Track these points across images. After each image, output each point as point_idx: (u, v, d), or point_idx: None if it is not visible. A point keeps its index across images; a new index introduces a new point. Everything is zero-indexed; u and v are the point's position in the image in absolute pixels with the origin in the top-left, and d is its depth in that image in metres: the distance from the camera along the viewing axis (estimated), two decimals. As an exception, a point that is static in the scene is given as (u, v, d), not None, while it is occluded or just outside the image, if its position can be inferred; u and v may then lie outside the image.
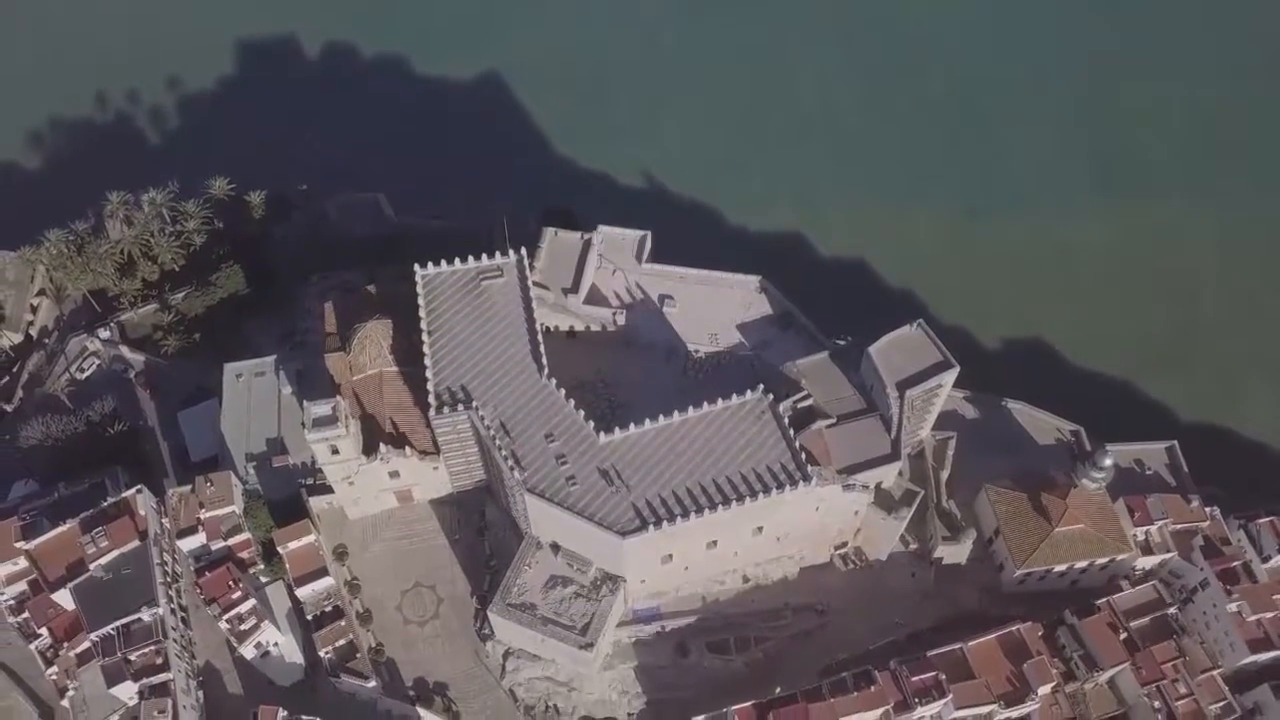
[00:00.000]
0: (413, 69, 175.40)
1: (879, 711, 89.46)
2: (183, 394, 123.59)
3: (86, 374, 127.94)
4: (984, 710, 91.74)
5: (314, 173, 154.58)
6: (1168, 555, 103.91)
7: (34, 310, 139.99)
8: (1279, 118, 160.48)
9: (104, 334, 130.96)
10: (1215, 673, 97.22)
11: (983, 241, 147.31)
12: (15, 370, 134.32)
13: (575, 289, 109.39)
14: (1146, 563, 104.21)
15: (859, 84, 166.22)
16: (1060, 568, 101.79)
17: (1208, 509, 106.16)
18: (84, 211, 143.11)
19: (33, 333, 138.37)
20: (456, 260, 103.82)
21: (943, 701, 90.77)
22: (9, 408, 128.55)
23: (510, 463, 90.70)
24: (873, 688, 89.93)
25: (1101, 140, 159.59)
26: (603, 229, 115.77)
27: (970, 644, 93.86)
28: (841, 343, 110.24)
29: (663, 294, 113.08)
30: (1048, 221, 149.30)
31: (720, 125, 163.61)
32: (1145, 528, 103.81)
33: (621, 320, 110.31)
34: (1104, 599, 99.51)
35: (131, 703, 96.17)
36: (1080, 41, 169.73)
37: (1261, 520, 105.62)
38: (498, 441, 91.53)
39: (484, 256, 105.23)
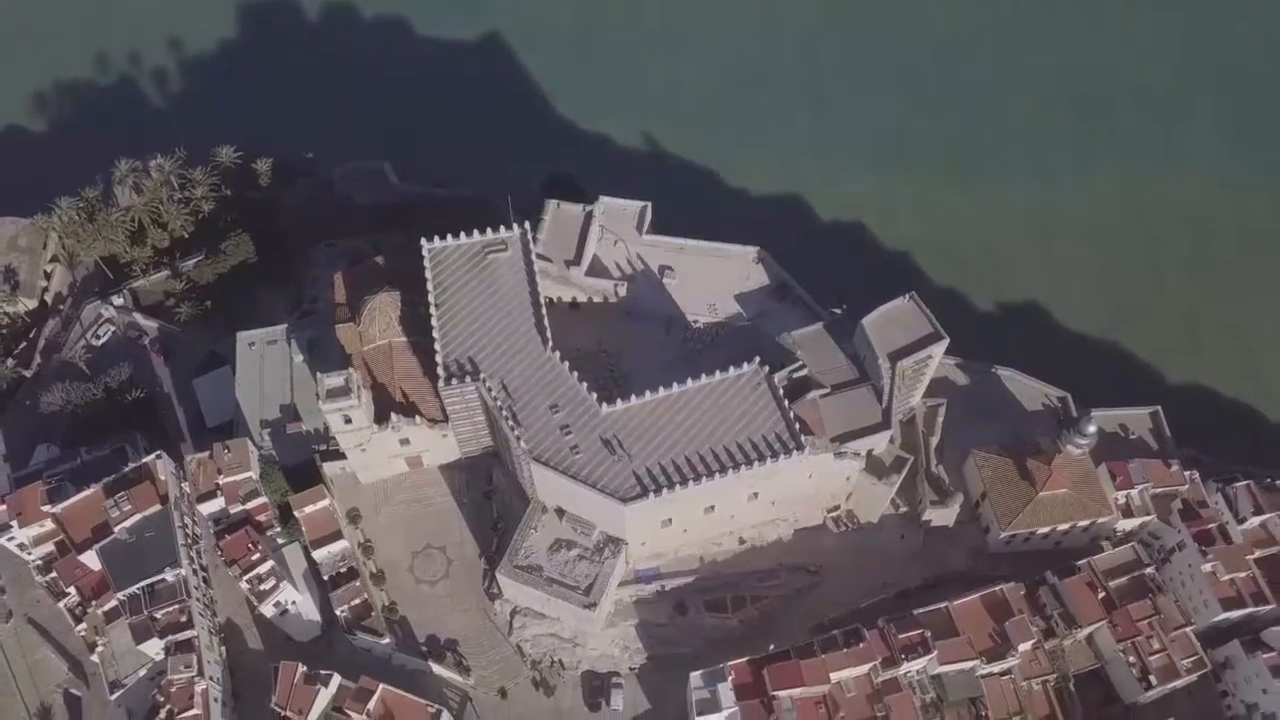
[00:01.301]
0: (413, 32, 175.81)
1: (867, 667, 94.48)
2: (196, 360, 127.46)
3: (102, 340, 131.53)
4: (967, 665, 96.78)
5: (317, 138, 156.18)
6: (1147, 518, 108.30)
7: (48, 277, 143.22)
8: (1262, 84, 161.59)
9: (118, 301, 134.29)
10: (1188, 629, 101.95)
11: (978, 208, 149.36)
12: (32, 336, 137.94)
13: (578, 261, 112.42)
14: (1127, 525, 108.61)
15: (854, 51, 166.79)
16: (1043, 530, 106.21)
17: (1187, 473, 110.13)
18: (93, 178, 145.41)
19: (47, 299, 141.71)
20: (462, 234, 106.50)
21: (928, 657, 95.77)
22: (28, 373, 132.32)
23: (516, 432, 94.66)
24: (861, 645, 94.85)
25: (1091, 107, 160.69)
26: (604, 200, 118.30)
27: (955, 603, 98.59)
28: (837, 311, 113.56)
29: (663, 265, 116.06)
30: (1042, 188, 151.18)
31: (718, 89, 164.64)
32: (1126, 491, 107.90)
33: (623, 291, 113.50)
34: (1084, 560, 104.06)
35: (158, 658, 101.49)
36: (1069, 11, 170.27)
37: (1239, 484, 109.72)
38: (504, 412, 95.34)
39: (488, 230, 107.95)
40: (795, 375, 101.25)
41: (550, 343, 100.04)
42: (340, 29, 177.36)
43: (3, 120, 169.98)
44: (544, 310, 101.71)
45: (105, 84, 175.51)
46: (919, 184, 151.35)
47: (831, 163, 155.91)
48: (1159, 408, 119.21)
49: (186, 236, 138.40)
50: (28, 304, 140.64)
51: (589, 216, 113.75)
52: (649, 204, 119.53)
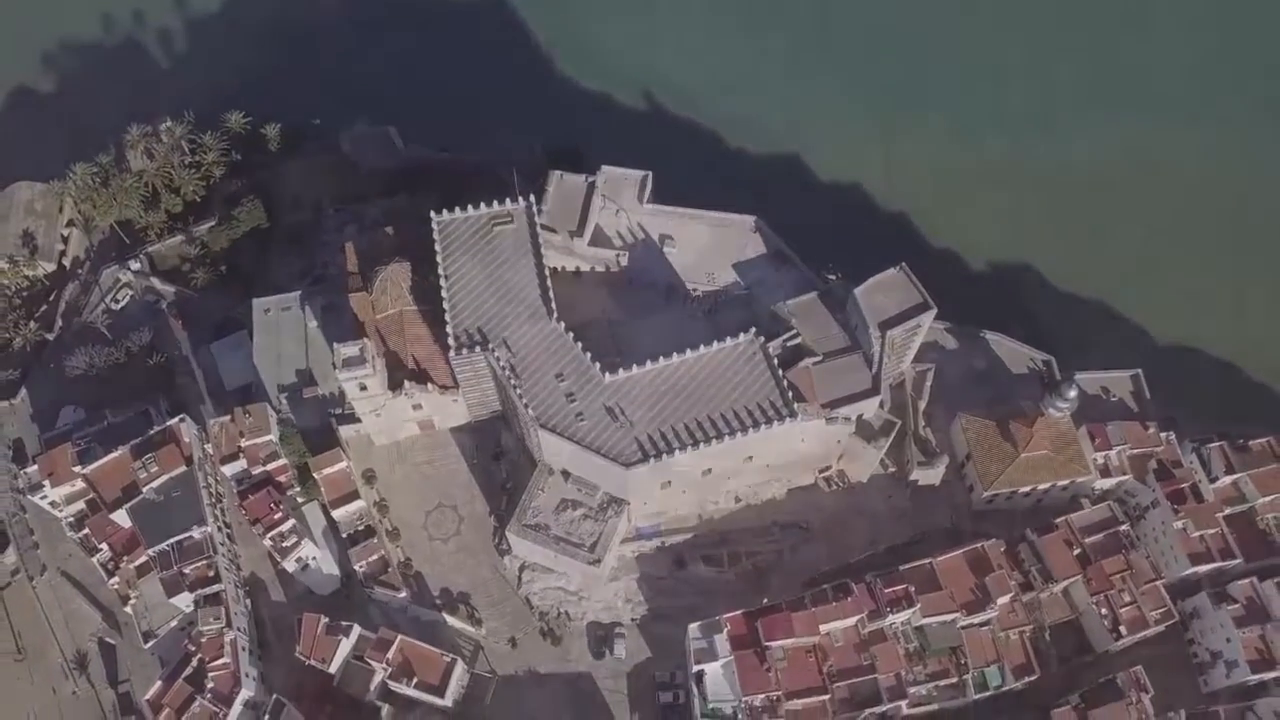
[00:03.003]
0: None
1: (855, 619, 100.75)
2: (212, 324, 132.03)
3: (121, 305, 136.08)
4: (949, 617, 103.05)
5: (323, 102, 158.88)
6: (1124, 477, 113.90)
7: (65, 241, 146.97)
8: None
9: (135, 265, 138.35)
10: (1159, 583, 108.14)
11: (971, 170, 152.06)
12: (52, 299, 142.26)
13: (580, 232, 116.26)
14: (1104, 484, 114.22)
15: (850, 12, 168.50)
16: (1024, 489, 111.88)
17: (1164, 434, 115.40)
18: (103, 142, 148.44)
19: (65, 263, 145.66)
20: (469, 207, 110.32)
21: (911, 610, 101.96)
22: (50, 336, 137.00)
23: (524, 400, 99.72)
24: (849, 598, 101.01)
25: (1079, 68, 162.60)
26: (605, 169, 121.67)
27: (938, 559, 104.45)
28: (832, 278, 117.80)
29: (663, 234, 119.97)
30: (1034, 147, 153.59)
31: (717, 53, 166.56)
32: (1104, 452, 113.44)
33: (624, 261, 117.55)
34: (1063, 517, 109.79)
35: (188, 609, 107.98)
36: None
37: (1213, 445, 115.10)
38: (512, 381, 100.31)
39: (494, 201, 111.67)
40: (789, 344, 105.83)
41: (555, 313, 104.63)
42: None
43: (10, 81, 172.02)
44: (549, 281, 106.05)
45: (110, 45, 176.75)
46: (912, 147, 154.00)
47: (823, 126, 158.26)
48: (1139, 371, 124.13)
49: (199, 201, 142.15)
50: (46, 267, 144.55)
51: (591, 187, 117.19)
52: (649, 173, 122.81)
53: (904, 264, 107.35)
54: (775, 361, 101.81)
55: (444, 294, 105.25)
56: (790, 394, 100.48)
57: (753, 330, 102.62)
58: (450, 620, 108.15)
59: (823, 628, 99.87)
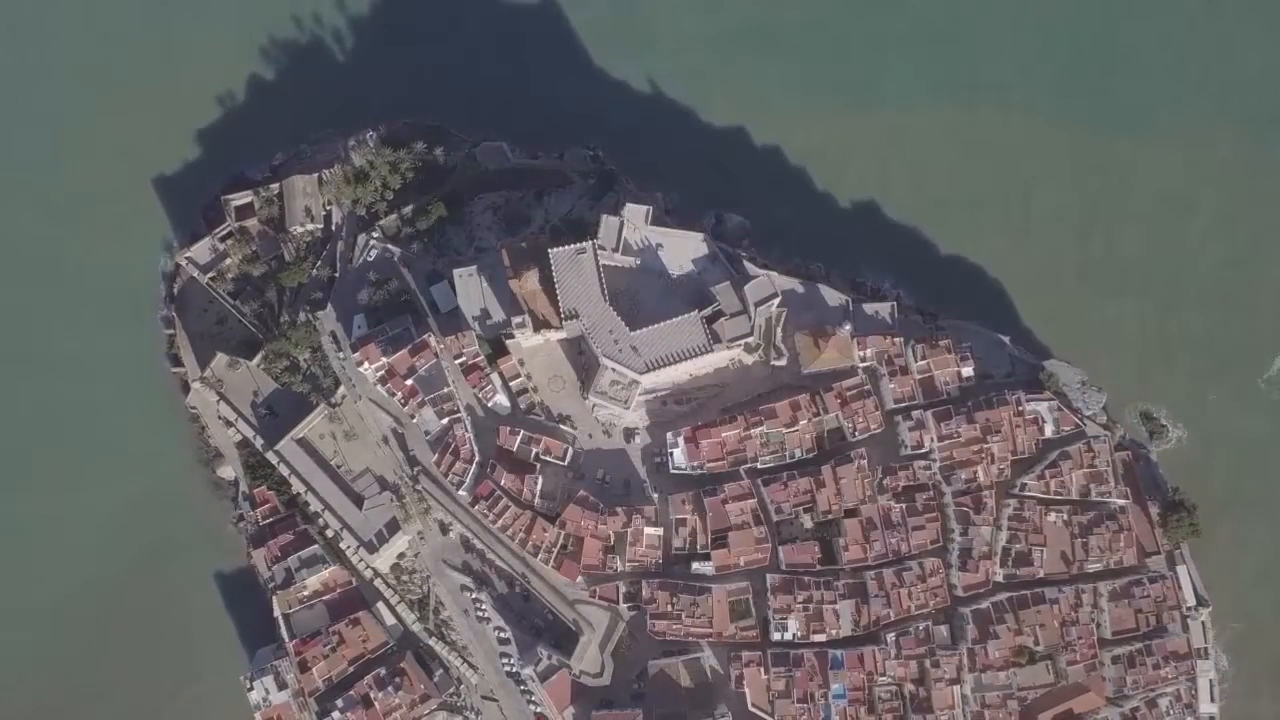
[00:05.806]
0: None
1: (738, 430, 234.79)
2: (425, 273, 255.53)
3: (372, 259, 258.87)
4: (781, 428, 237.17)
5: (456, 121, 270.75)
6: (874, 364, 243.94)
7: (326, 214, 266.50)
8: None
9: (375, 234, 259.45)
10: (879, 411, 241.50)
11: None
12: (327, 251, 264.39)
13: (617, 249, 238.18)
14: (863, 365, 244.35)
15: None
16: (825, 369, 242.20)
17: (897, 339, 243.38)
18: (336, 150, 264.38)
19: (332, 229, 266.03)
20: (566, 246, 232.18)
21: (766, 423, 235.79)
22: (336, 274, 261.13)
23: (593, 343, 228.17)
24: (735, 419, 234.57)
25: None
26: (630, 206, 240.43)
27: (778, 402, 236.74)
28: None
29: (657, 242, 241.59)
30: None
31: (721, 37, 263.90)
32: (863, 350, 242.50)
33: (639, 261, 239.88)
34: (838, 382, 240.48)
35: (445, 422, 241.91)
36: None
37: (918, 345, 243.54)
38: (587, 334, 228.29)
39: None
40: (714, 310, 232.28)
41: (607, 297, 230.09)
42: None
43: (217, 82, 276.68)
44: (604, 283, 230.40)
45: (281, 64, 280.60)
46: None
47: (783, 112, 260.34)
48: (894, 302, 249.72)
49: (401, 190, 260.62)
50: (317, 229, 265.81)
51: (621, 226, 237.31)
52: (650, 208, 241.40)
53: (771, 274, 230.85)
54: (705, 323, 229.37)
55: (557, 290, 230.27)
56: (710, 338, 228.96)
57: (696, 310, 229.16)
58: (564, 429, 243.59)
59: (724, 433, 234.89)
